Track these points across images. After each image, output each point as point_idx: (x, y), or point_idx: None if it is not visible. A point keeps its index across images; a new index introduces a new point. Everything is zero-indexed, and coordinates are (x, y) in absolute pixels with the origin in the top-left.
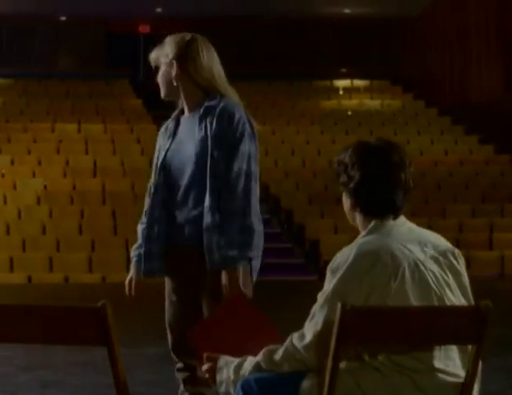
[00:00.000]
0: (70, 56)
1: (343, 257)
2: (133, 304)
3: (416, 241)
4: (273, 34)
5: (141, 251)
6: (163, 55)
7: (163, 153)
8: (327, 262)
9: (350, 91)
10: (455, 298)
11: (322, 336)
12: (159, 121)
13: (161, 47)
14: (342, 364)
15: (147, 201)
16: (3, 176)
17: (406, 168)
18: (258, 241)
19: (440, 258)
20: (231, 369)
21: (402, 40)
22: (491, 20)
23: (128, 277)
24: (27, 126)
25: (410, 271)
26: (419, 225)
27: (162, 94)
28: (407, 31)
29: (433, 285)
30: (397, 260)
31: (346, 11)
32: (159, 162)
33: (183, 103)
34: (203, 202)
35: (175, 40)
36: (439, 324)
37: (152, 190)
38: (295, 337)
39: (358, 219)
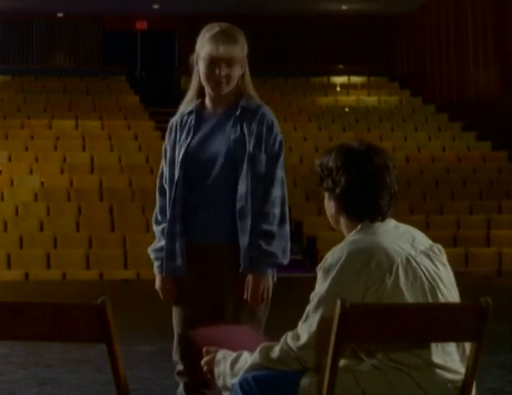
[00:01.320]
0: (67, 52)
1: (335, 256)
2: (129, 301)
3: (404, 237)
4: (270, 31)
5: (165, 250)
6: (239, 51)
7: (184, 148)
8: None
9: (347, 88)
10: (447, 291)
11: (318, 336)
12: (156, 117)
13: (233, 41)
14: (341, 362)
15: (161, 199)
16: (0, 173)
17: (390, 171)
18: (289, 247)
19: (430, 253)
20: (228, 362)
21: (399, 37)
22: (488, 17)
23: (159, 283)
24: (24, 122)
25: (403, 267)
26: (417, 221)
27: (224, 90)
28: (405, 28)
29: (426, 280)
30: (390, 257)
31: (344, 7)
32: (179, 157)
33: (208, 98)
34: (232, 200)
35: (243, 35)
36: (438, 321)
37: (171, 186)
38: (289, 337)
39: (344, 223)
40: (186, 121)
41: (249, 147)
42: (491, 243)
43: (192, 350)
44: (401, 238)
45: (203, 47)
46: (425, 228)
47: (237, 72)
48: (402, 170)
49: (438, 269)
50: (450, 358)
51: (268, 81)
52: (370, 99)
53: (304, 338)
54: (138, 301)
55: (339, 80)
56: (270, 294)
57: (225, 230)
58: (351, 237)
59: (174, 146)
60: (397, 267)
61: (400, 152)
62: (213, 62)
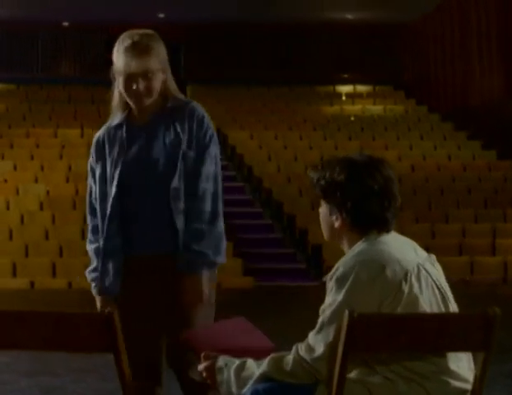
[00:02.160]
0: (72, 61)
1: (348, 266)
2: None
3: (408, 247)
4: (275, 40)
5: (99, 270)
6: (154, 61)
7: (120, 163)
8: (330, 268)
9: (352, 97)
10: (452, 299)
11: (334, 348)
12: None
13: (146, 52)
14: (353, 374)
15: (92, 218)
16: (6, 181)
17: (395, 182)
18: (223, 245)
19: (431, 261)
20: (232, 370)
21: (404, 45)
22: (492, 25)
23: (99, 304)
24: (30, 131)
25: (415, 275)
26: (422, 230)
27: (147, 102)
28: (409, 36)
29: (436, 288)
30: (403, 265)
31: (348, 16)
32: (115, 172)
33: (133, 110)
34: (169, 209)
35: (159, 40)
36: (448, 331)
37: (103, 203)
38: (303, 349)
39: (347, 235)
40: (114, 135)
41: (183, 146)
42: (497, 251)
43: (185, 354)
44: (405, 247)
45: (118, 61)
46: (431, 236)
47: (157, 80)
48: (408, 179)
49: (440, 277)
50: (462, 364)
51: (273, 90)
52: (376, 109)
53: (320, 350)
54: None
55: (344, 89)
56: (209, 294)
57: (166, 240)
58: (359, 247)
59: (105, 162)
60: (411, 275)
61: (405, 161)
62: (129, 78)
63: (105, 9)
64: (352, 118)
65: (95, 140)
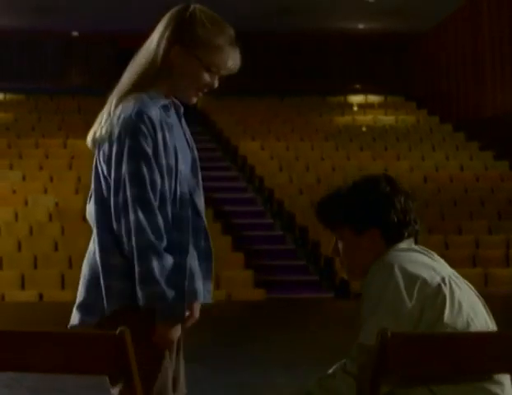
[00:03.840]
0: (82, 72)
1: (383, 273)
2: None
3: (438, 259)
4: (286, 50)
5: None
6: None
7: (188, 155)
8: (342, 280)
9: (364, 107)
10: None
11: (362, 364)
12: None
13: None
14: (402, 391)
15: (159, 217)
16: (15, 192)
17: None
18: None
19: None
20: None
21: (415, 56)
22: (505, 36)
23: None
24: (39, 142)
25: (453, 280)
26: (435, 241)
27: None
28: (421, 47)
29: (475, 295)
30: (437, 271)
31: (360, 26)
32: (181, 167)
33: (163, 92)
34: None
35: None
36: (490, 351)
37: (173, 205)
38: (348, 364)
39: (378, 252)
40: (166, 119)
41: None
42: (511, 263)
43: None
44: (436, 258)
45: (225, 51)
46: (444, 248)
47: None
48: (420, 190)
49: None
50: (505, 387)
51: (285, 100)
52: (387, 119)
53: (361, 364)
54: None
55: (356, 99)
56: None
57: None
58: (391, 254)
59: (166, 149)
60: (449, 280)
61: (418, 172)
62: (216, 74)
63: (115, 20)
64: (364, 129)
65: (150, 119)
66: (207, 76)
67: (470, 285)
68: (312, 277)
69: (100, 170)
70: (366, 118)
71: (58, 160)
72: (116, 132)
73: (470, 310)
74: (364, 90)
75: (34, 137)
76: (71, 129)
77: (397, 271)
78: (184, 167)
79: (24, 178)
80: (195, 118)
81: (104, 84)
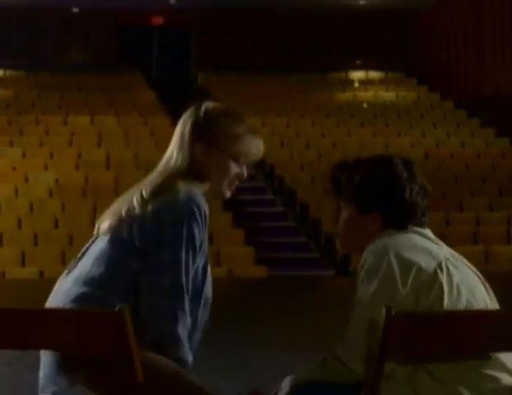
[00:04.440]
0: (82, 48)
1: (378, 254)
2: None
3: (438, 242)
4: (287, 27)
5: None
6: None
7: (206, 259)
8: (343, 257)
9: (365, 84)
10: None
11: (367, 342)
12: (173, 114)
13: None
14: (398, 372)
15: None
16: (15, 169)
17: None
18: None
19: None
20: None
21: (416, 32)
22: (506, 11)
23: None
24: (39, 119)
25: (451, 263)
26: (436, 219)
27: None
28: (422, 23)
29: (477, 276)
30: (434, 255)
31: (361, 2)
32: (204, 268)
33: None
34: None
35: None
36: (490, 330)
37: (198, 300)
38: (338, 346)
39: (375, 230)
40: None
41: None
42: None
43: None
44: (436, 242)
45: (246, 139)
46: (445, 225)
47: None
48: (421, 167)
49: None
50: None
51: (286, 78)
52: (388, 95)
53: (353, 345)
54: None
55: (357, 75)
56: None
57: None
58: (388, 237)
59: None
60: (446, 264)
61: (419, 148)
62: (243, 163)
63: None
64: (365, 105)
65: (205, 212)
66: (235, 167)
67: (469, 264)
68: (313, 255)
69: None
70: (367, 95)
71: (58, 137)
72: (172, 215)
73: (469, 295)
74: (365, 67)
75: (35, 113)
76: (71, 106)
77: (392, 257)
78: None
79: (24, 154)
80: (196, 96)
81: (104, 61)
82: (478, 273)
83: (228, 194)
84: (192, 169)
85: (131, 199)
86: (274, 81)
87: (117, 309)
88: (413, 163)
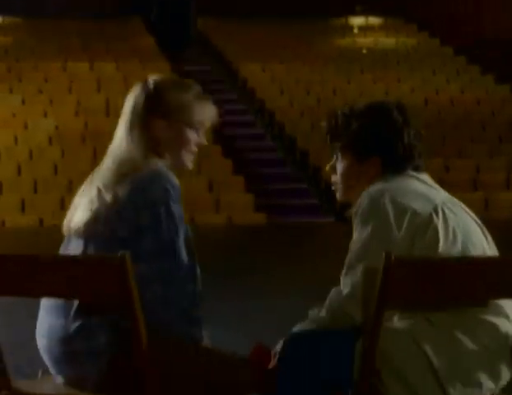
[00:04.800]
0: None
1: (373, 199)
2: None
3: (435, 186)
4: None
5: None
6: None
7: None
8: (343, 204)
9: (364, 30)
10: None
11: (363, 287)
12: (173, 60)
13: None
14: (395, 321)
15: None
16: (14, 116)
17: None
18: None
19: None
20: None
21: None
22: None
23: None
24: (38, 65)
25: (447, 207)
26: (436, 165)
27: None
28: None
29: (474, 221)
30: (430, 199)
31: None
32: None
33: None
34: None
35: None
36: (489, 276)
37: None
38: (333, 292)
39: (371, 175)
40: None
41: None
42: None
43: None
44: (434, 186)
45: (198, 105)
46: (445, 172)
47: None
48: (421, 113)
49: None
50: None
51: (285, 23)
52: (388, 41)
53: (347, 290)
54: None
55: (356, 21)
56: None
57: None
58: (384, 181)
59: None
60: (443, 208)
61: (418, 95)
62: (200, 129)
63: None
64: (364, 51)
65: (178, 187)
66: (193, 136)
67: (469, 210)
68: (312, 201)
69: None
70: (367, 41)
71: (58, 84)
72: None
73: (466, 239)
74: (364, 12)
75: (34, 60)
76: (70, 52)
77: (387, 201)
78: None
79: (23, 101)
80: (195, 41)
81: (103, 6)
82: (476, 219)
83: (190, 165)
84: (150, 146)
85: (95, 190)
86: (273, 28)
87: (119, 254)
88: (406, 107)
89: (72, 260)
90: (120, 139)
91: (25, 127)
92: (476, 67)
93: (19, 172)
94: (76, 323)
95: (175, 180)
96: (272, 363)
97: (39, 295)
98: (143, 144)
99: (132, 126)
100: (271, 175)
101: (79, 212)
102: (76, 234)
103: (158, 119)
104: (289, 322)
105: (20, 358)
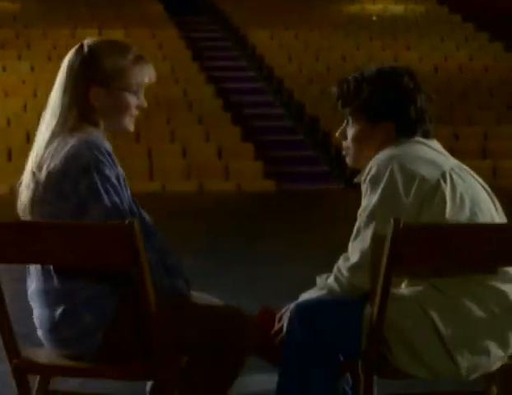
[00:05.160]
0: None
1: (381, 165)
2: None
3: (444, 152)
4: None
5: None
6: None
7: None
8: (352, 171)
9: None
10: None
11: (371, 254)
12: (181, 27)
13: None
14: (403, 288)
15: None
16: (24, 83)
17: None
18: None
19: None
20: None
21: None
22: None
23: None
24: (47, 32)
25: (455, 173)
26: (445, 133)
27: None
28: None
29: (482, 187)
30: (438, 165)
31: None
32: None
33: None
34: None
35: None
36: (498, 243)
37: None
38: (341, 259)
39: (381, 141)
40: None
41: None
42: None
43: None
44: (442, 152)
45: (139, 70)
46: (454, 139)
47: None
48: (430, 80)
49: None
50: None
51: None
52: (397, 8)
53: (355, 257)
54: (164, 214)
55: None
56: None
57: None
58: (393, 147)
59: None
60: (450, 174)
61: (427, 62)
62: (139, 91)
63: None
64: (374, 18)
65: (107, 151)
66: (133, 99)
67: (477, 177)
68: (322, 168)
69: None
70: (375, 8)
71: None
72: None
73: (474, 205)
74: None
75: (42, 27)
76: (79, 20)
77: (395, 167)
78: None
79: (32, 68)
80: (204, 8)
81: None
82: (485, 186)
83: (131, 127)
84: (84, 113)
85: (29, 173)
86: None
87: (127, 222)
88: (414, 73)
89: (81, 226)
90: (54, 104)
91: (35, 94)
92: (484, 34)
93: (28, 139)
94: (59, 310)
95: (104, 145)
96: (277, 327)
97: (47, 261)
98: (77, 111)
99: (66, 92)
100: (280, 142)
101: (24, 191)
102: (26, 213)
103: (95, 86)
104: (297, 288)
105: (29, 326)
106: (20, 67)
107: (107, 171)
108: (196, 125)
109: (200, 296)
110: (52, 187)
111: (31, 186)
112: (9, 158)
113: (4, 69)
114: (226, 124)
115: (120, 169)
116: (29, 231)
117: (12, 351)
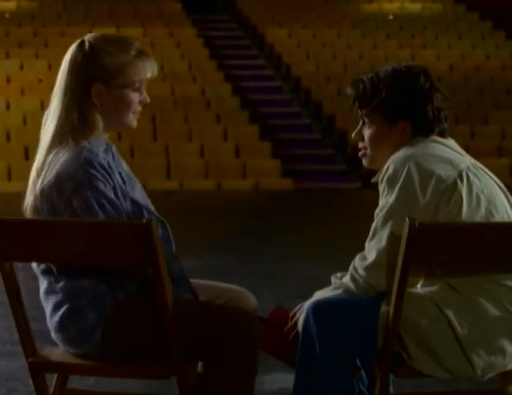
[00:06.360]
0: None
1: (398, 164)
2: (172, 212)
3: (461, 151)
4: None
5: None
6: None
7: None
8: (369, 170)
9: None
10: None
11: (387, 254)
12: (199, 25)
13: None
14: (419, 287)
15: None
16: (40, 81)
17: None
18: None
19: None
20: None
21: None
22: None
23: None
24: (64, 31)
25: (472, 173)
26: (461, 131)
27: None
28: None
29: (498, 187)
30: (455, 165)
31: None
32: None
33: (102, 132)
34: None
35: None
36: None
37: None
38: (357, 259)
39: (397, 140)
40: (109, 162)
41: None
42: None
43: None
44: (458, 151)
45: (140, 65)
46: (470, 138)
47: None
48: (447, 79)
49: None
50: None
51: None
52: (414, 7)
53: (372, 257)
54: (182, 212)
55: None
56: None
57: None
58: (410, 146)
59: (123, 193)
60: (467, 174)
61: (444, 60)
62: (143, 85)
63: None
64: (391, 17)
65: (100, 164)
66: (136, 96)
67: (493, 176)
68: (339, 167)
69: None
70: (393, 6)
71: None
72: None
73: (489, 204)
74: None
75: (60, 25)
76: (96, 18)
77: (412, 166)
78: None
79: (50, 67)
80: (221, 6)
81: None
82: (501, 184)
83: (134, 124)
84: (85, 114)
85: (31, 179)
86: None
87: (145, 220)
88: (429, 71)
89: (98, 225)
90: (55, 105)
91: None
92: (501, 33)
93: None
94: (65, 308)
95: (96, 157)
96: (290, 324)
97: (64, 259)
98: (77, 113)
99: (67, 91)
100: (297, 141)
101: (27, 196)
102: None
103: (97, 84)
104: (313, 286)
105: (46, 324)
106: (38, 65)
107: (101, 186)
108: (214, 123)
109: (203, 285)
110: (46, 201)
111: (31, 194)
112: (26, 156)
113: (22, 67)
114: (244, 123)
115: (118, 179)
116: (39, 229)
117: (29, 349)
